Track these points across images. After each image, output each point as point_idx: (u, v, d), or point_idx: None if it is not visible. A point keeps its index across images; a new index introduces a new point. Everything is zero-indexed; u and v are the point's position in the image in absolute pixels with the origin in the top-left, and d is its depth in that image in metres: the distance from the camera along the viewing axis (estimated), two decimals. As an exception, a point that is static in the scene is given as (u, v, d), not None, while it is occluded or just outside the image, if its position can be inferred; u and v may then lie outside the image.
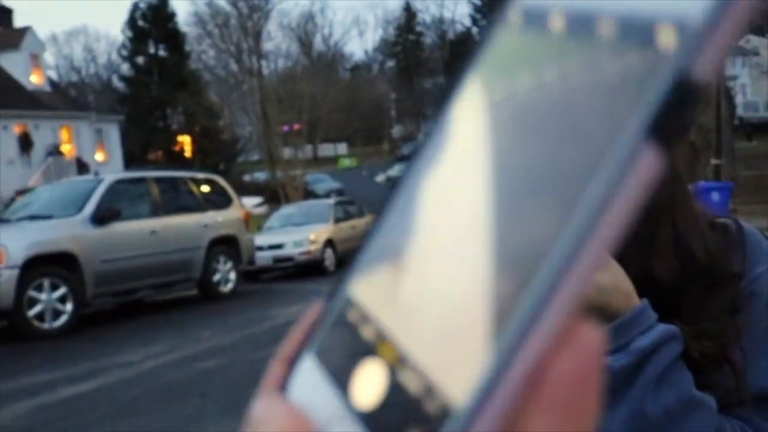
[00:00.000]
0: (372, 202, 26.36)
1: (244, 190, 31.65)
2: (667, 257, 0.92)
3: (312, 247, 15.84)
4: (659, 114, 0.19)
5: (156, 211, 11.63)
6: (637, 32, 0.20)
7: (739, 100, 52.55)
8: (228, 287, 12.75)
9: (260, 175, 43.97)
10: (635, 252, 0.91)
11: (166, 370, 7.47)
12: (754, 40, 60.61)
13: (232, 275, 12.88)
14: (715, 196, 14.73)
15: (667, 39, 0.20)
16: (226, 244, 12.71)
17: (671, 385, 0.87)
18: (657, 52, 0.20)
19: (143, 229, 11.16)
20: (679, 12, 0.19)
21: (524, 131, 0.23)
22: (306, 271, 15.68)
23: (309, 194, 34.92)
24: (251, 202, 27.19)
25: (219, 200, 12.94)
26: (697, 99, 0.19)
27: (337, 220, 17.19)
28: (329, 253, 16.30)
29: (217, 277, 12.55)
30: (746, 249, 0.96)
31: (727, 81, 31.98)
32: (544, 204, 0.21)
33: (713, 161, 16.62)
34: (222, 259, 12.63)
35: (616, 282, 0.87)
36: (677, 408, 0.87)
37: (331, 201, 19.24)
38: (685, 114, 0.19)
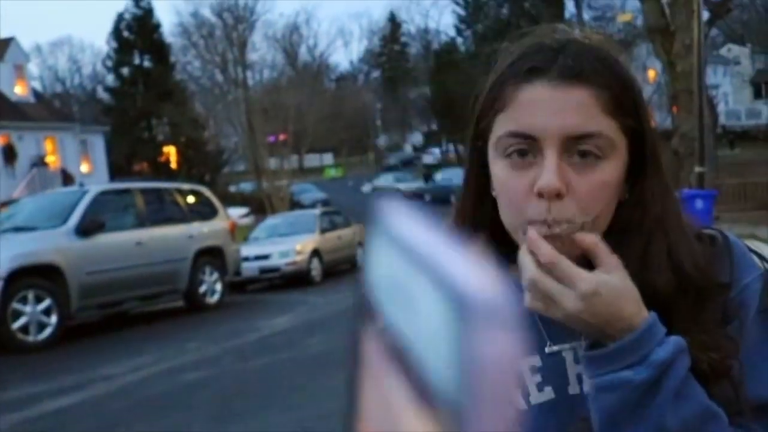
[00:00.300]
0: (358, 212, 26.35)
1: (230, 200, 31.57)
2: (664, 270, 0.92)
3: (298, 258, 15.82)
4: None
5: (141, 222, 11.59)
6: None
7: (721, 108, 52.92)
8: (214, 298, 12.71)
9: (246, 186, 43.83)
10: (628, 266, 0.90)
11: (151, 382, 7.44)
12: (735, 50, 61.12)
13: (218, 286, 12.84)
14: (699, 203, 14.80)
15: None
16: (212, 255, 12.67)
17: (688, 398, 0.86)
18: None
19: (128, 241, 11.11)
20: None
21: None
22: (292, 281, 15.66)
23: (295, 205, 34.89)
24: (237, 212, 27.13)
25: (204, 211, 12.91)
26: None
27: (323, 231, 17.18)
28: (316, 264, 16.29)
29: (203, 288, 12.50)
30: (733, 260, 0.96)
31: (710, 90, 32.26)
32: None
33: (697, 169, 16.70)
34: (208, 270, 12.58)
35: (628, 286, 0.86)
36: (695, 420, 0.86)
37: (317, 211, 19.24)
38: None
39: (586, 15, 35.17)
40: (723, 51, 60.22)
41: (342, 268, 17.54)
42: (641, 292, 0.88)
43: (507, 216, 0.93)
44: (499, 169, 0.92)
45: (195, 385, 7.15)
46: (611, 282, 0.84)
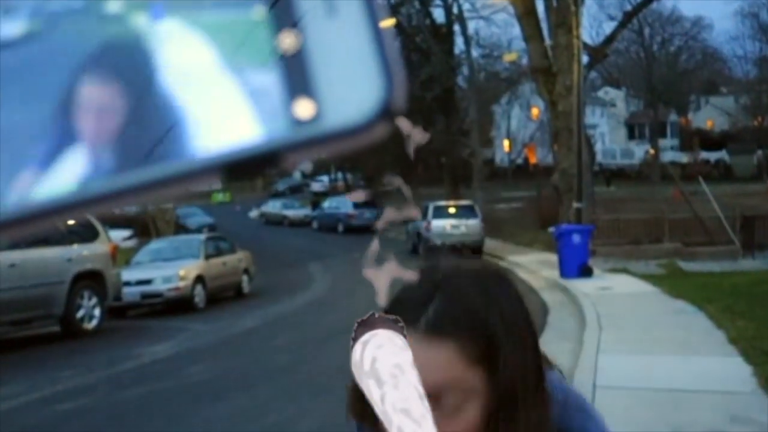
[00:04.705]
0: (244, 237, 26.07)
1: (113, 222, 30.59)
2: None
3: (181, 284, 15.49)
4: None
5: (16, 243, 11.08)
6: None
7: (598, 147, 55.54)
8: (92, 324, 12.27)
9: (130, 207, 42.67)
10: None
11: (23, 412, 7.10)
12: (612, 92, 64.39)
13: (97, 311, 12.42)
14: (576, 237, 15.46)
15: None
16: (91, 279, 12.25)
17: None
18: None
19: (1, 263, 10.61)
20: None
21: None
22: (175, 308, 15.29)
23: (180, 228, 34.15)
24: (120, 235, 26.32)
25: (85, 233, 12.48)
26: None
27: (208, 256, 16.90)
28: (199, 290, 15.98)
29: (80, 313, 12.06)
30: None
31: (588, 129, 33.77)
32: None
33: (575, 204, 17.44)
34: (87, 294, 12.15)
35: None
36: None
37: (202, 236, 18.92)
38: None
39: (475, 52, 36.13)
40: (601, 93, 63.32)
41: (226, 295, 17.28)
42: None
43: None
44: None
45: (67, 416, 6.88)
46: None
